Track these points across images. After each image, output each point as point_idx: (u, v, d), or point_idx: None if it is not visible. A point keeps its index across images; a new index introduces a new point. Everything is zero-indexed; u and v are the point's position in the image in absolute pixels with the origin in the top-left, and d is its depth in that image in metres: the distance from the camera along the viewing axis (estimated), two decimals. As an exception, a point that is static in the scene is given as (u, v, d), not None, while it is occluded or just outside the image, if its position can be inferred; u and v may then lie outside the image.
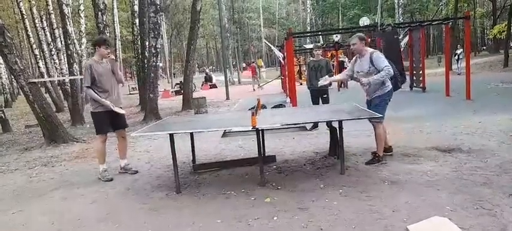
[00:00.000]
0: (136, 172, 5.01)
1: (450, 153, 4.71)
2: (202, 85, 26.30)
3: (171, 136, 4.00)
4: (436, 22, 16.29)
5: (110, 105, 4.69)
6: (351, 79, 5.01)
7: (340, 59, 18.34)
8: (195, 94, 15.09)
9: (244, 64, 47.29)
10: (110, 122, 4.82)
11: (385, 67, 4.30)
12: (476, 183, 3.60)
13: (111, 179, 4.73)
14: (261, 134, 4.13)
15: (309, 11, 42.87)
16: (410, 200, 3.32)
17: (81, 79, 11.63)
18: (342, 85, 16.84)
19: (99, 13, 9.76)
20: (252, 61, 34.58)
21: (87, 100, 14.49)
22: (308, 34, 20.77)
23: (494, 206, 3.06)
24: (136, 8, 14.77)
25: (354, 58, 4.80)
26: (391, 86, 4.52)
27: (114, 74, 4.86)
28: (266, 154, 5.08)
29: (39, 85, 8.94)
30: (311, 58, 7.84)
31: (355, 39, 4.56)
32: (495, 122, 6.32)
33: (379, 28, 10.41)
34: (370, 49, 4.55)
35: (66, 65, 13.32)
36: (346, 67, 18.31)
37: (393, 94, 4.60)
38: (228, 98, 16.40)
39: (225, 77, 18.17)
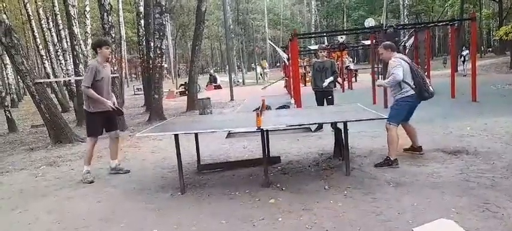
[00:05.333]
0: (128, 171, 5.05)
1: (456, 155, 4.67)
2: (206, 85, 26.33)
3: (176, 136, 4.01)
4: (441, 23, 16.20)
5: (109, 104, 4.76)
6: None
7: (345, 59, 18.30)
8: (200, 95, 15.11)
9: (253, 65, 47.31)
10: (103, 124, 4.89)
11: (392, 74, 4.42)
12: (482, 185, 3.58)
13: (92, 182, 4.70)
14: (265, 135, 4.12)
15: (313, 12, 42.86)
16: (415, 202, 3.30)
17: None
18: (347, 86, 16.80)
19: (105, 14, 9.79)
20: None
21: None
22: (313, 35, 20.72)
23: (500, 208, 3.04)
24: (141, 9, 14.83)
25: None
26: (411, 92, 4.44)
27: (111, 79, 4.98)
28: (270, 155, 5.07)
29: (45, 86, 9.01)
30: (316, 60, 7.83)
31: (381, 48, 4.71)
32: (501, 125, 6.26)
33: (383, 29, 10.35)
34: (396, 55, 4.63)
35: (72, 66, 13.39)
36: (350, 69, 18.35)
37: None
38: (232, 99, 16.41)
39: (230, 78, 18.18)
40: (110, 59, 4.88)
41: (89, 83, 4.64)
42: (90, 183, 4.68)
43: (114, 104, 4.92)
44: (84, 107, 4.93)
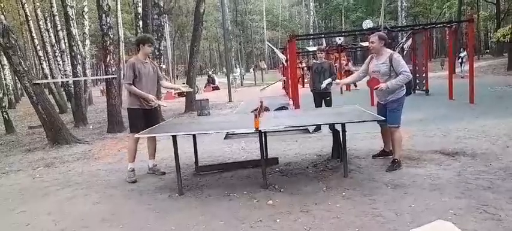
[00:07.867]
0: (164, 173, 4.93)
1: (454, 157, 4.69)
2: (205, 87, 26.35)
3: (174, 137, 4.01)
4: (439, 25, 16.25)
5: (153, 99, 4.70)
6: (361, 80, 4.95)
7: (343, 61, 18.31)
8: (198, 96, 15.11)
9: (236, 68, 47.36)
10: (144, 122, 4.74)
11: (404, 71, 4.20)
12: (480, 187, 3.58)
13: (135, 181, 4.61)
14: (263, 137, 4.12)
15: (312, 13, 42.91)
16: (413, 203, 3.31)
17: (85, 80, 11.70)
18: (345, 87, 16.80)
19: (103, 15, 9.78)
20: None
21: (91, 102, 14.61)
22: (311, 36, 20.78)
23: (498, 210, 3.04)
24: (140, 10, 14.80)
25: (369, 57, 4.69)
26: (405, 89, 4.41)
27: (156, 75, 4.89)
28: (269, 157, 5.07)
29: (43, 87, 8.99)
30: (314, 61, 7.84)
31: (375, 37, 4.40)
32: (499, 126, 6.29)
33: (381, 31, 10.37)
34: (390, 51, 4.44)
35: (70, 66, 13.39)
36: (349, 71, 18.34)
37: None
38: (230, 100, 16.41)
39: (228, 79, 18.17)
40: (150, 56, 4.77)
41: (130, 79, 4.59)
42: (133, 182, 4.58)
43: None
44: (127, 105, 4.87)
